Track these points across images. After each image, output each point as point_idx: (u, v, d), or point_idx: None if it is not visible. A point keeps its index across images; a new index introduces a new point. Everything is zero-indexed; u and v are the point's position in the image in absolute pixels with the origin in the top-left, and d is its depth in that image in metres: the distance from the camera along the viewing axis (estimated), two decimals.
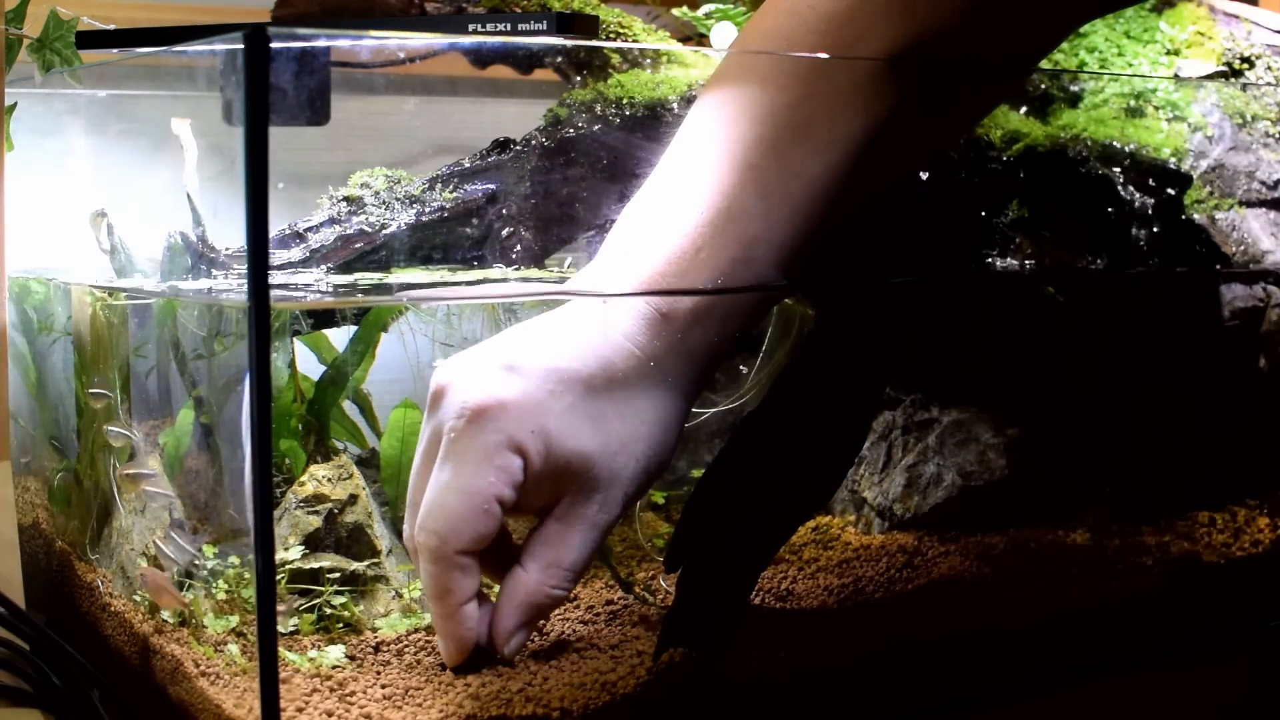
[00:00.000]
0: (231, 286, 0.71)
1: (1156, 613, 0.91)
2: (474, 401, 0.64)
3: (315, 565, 0.78)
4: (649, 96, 0.80)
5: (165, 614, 0.73)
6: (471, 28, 0.71)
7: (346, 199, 0.74)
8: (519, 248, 0.76)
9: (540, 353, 0.66)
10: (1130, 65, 1.00)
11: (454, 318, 0.88)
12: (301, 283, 0.72)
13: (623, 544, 0.90)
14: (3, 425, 0.80)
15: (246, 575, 0.72)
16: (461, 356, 0.67)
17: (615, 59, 0.83)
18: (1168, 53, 1.02)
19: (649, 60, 0.84)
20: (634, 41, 0.87)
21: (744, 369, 0.91)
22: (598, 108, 0.79)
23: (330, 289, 0.73)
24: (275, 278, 0.72)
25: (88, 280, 0.79)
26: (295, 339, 0.83)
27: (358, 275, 0.74)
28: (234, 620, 0.72)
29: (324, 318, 0.83)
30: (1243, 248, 0.94)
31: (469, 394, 0.64)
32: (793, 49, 0.69)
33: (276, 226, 0.73)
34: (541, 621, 0.75)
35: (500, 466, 0.64)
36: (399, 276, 0.75)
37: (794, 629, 0.79)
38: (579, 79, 0.83)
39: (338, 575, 0.77)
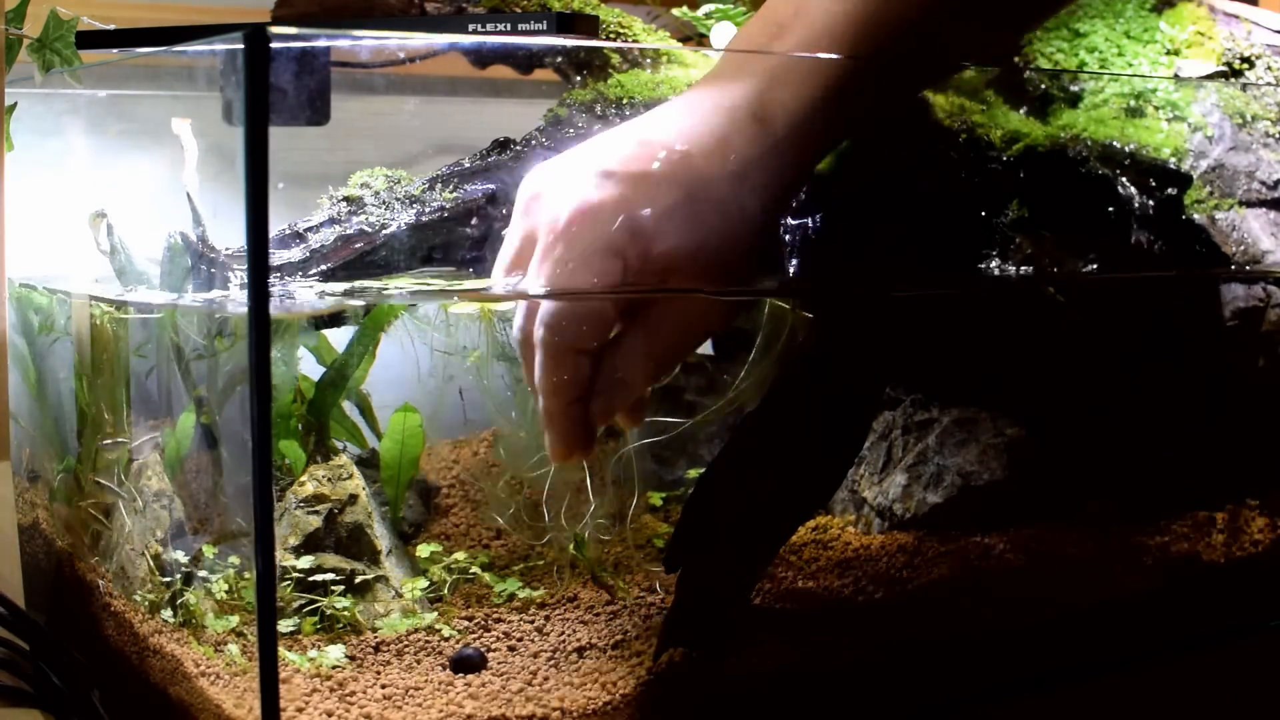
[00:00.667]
0: (231, 295, 0.71)
1: (1156, 613, 0.91)
2: (572, 207, 0.64)
3: (313, 565, 0.78)
4: (649, 96, 0.80)
5: (166, 614, 0.73)
6: (471, 28, 0.71)
7: (346, 199, 0.74)
8: None
9: (634, 156, 0.66)
10: (1130, 65, 1.00)
11: (451, 327, 0.88)
12: (301, 290, 0.72)
13: (622, 544, 0.90)
14: (3, 425, 0.80)
15: (247, 575, 0.72)
16: (556, 161, 0.68)
17: (615, 59, 0.83)
18: (1168, 53, 1.02)
19: (649, 60, 0.84)
20: (634, 41, 0.87)
21: (727, 378, 0.91)
22: (598, 108, 0.79)
23: (326, 295, 0.73)
24: (279, 285, 0.72)
25: (88, 284, 0.79)
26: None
27: (358, 284, 0.74)
28: (234, 620, 0.72)
29: (324, 318, 0.83)
30: (1243, 248, 0.94)
31: (567, 200, 0.65)
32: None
33: (276, 226, 0.73)
34: (547, 635, 0.74)
35: (601, 270, 0.65)
36: (395, 284, 0.75)
37: (794, 629, 0.79)
38: (579, 79, 0.83)
39: (337, 577, 0.78)
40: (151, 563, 0.75)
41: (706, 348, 0.96)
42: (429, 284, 0.75)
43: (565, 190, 0.66)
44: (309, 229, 0.73)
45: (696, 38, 1.03)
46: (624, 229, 0.65)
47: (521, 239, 0.68)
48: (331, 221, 0.74)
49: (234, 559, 0.73)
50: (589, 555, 0.86)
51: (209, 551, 0.74)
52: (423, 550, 0.86)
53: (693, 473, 0.93)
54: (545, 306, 0.67)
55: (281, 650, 0.71)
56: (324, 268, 0.73)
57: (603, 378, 0.68)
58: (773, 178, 0.68)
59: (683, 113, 0.69)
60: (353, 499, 0.81)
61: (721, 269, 0.67)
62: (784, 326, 0.88)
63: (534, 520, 0.91)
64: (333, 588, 0.77)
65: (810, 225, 0.79)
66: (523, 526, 0.91)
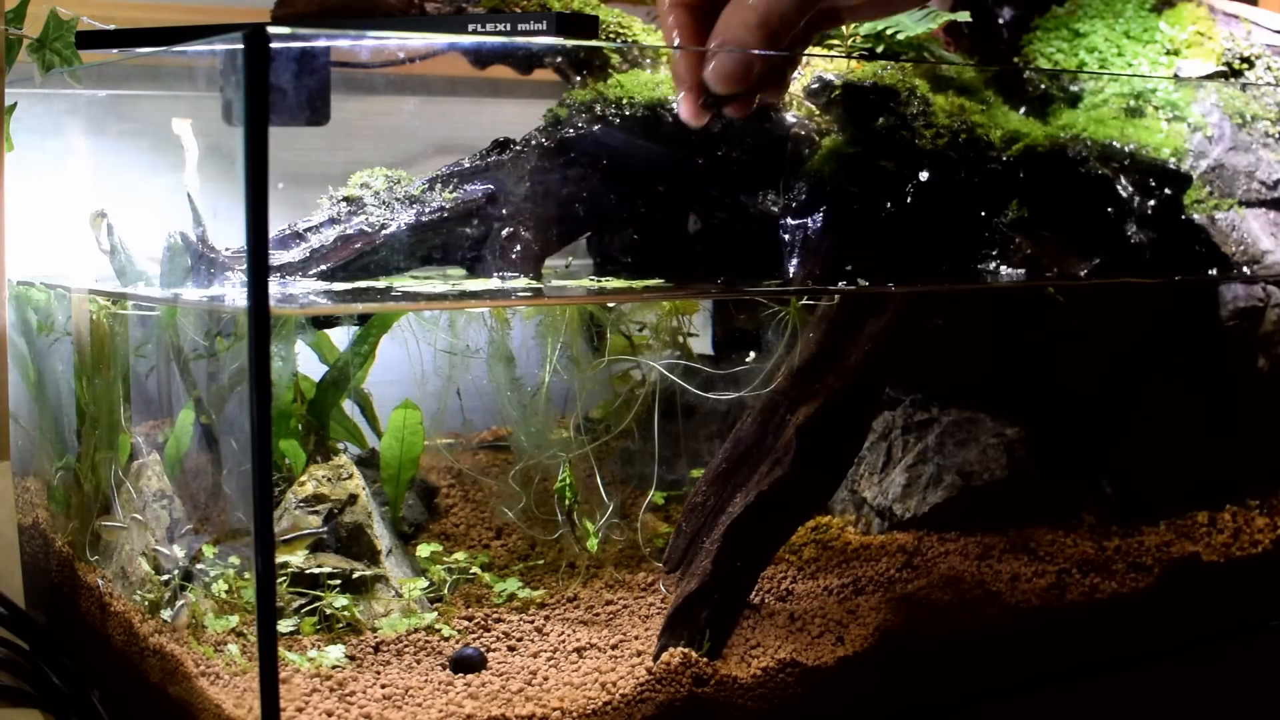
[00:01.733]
0: (232, 293, 0.71)
1: (1156, 613, 0.91)
2: None
3: (315, 569, 0.78)
4: (649, 96, 0.80)
5: (165, 613, 0.73)
6: (471, 28, 0.71)
7: (346, 199, 0.74)
8: (519, 248, 0.76)
9: None
10: (1130, 65, 1.00)
11: (456, 325, 0.88)
12: (302, 290, 0.72)
13: (622, 541, 0.90)
14: (3, 425, 0.80)
15: (247, 575, 0.72)
16: None
17: (615, 59, 0.83)
18: (1168, 53, 1.02)
19: (649, 60, 0.84)
20: (634, 41, 0.87)
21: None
22: (598, 108, 0.79)
23: (329, 295, 0.73)
24: (277, 284, 0.72)
25: (88, 283, 0.79)
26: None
27: (361, 283, 0.74)
28: (234, 620, 0.72)
29: (324, 318, 0.83)
30: (1243, 248, 0.94)
31: None
32: None
33: (276, 226, 0.73)
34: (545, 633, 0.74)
35: None
36: (400, 283, 0.75)
37: (794, 629, 0.79)
38: (579, 79, 0.83)
39: (338, 575, 0.78)
40: (151, 563, 0.75)
41: (707, 347, 0.96)
42: (429, 278, 0.75)
43: None
44: (309, 229, 0.73)
45: None
46: None
47: None
48: (331, 221, 0.74)
49: (234, 559, 0.73)
50: (598, 551, 0.87)
51: (209, 551, 0.74)
52: (423, 550, 0.86)
53: (694, 473, 0.93)
54: None
55: (281, 650, 0.71)
56: (324, 268, 0.73)
57: (717, 42, 0.67)
58: None
59: None
60: (353, 499, 0.81)
61: None
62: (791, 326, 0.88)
63: (544, 515, 0.91)
64: (329, 581, 0.77)
65: (810, 224, 0.79)
66: (535, 522, 0.91)
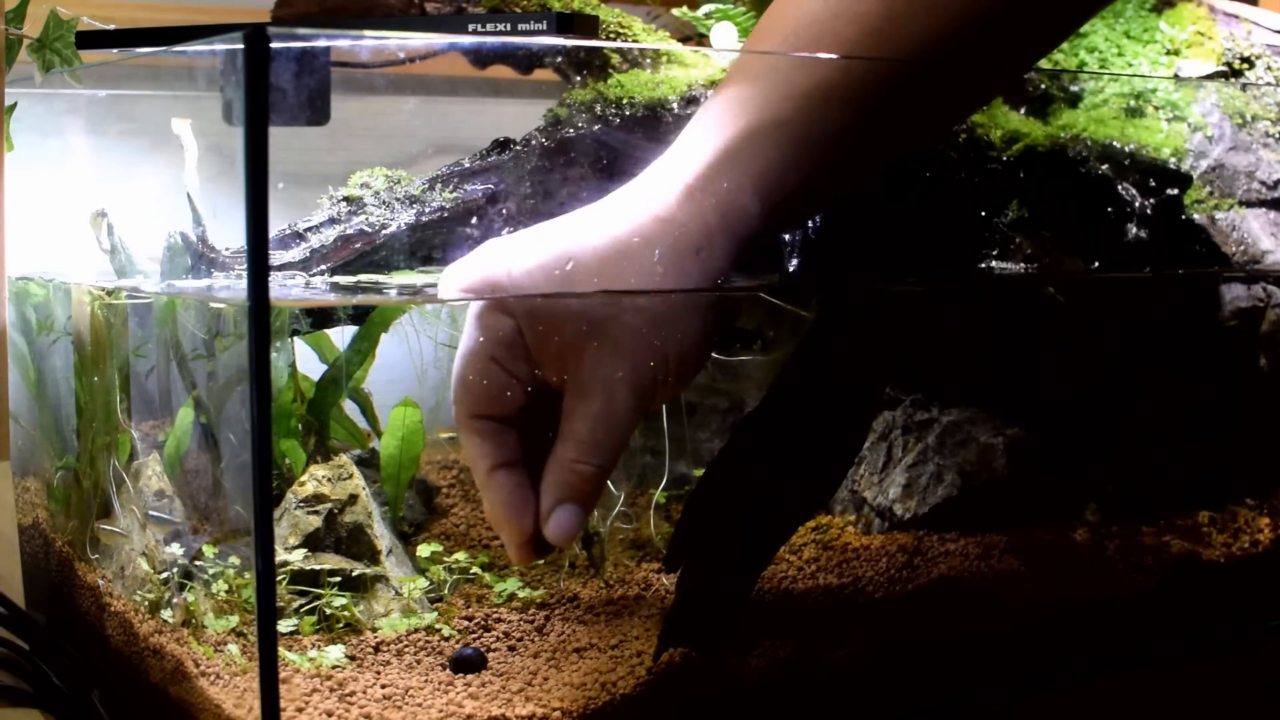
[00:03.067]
0: (231, 285, 0.71)
1: (1156, 613, 0.91)
2: (473, 274, 0.65)
3: (316, 566, 0.78)
4: (649, 96, 0.80)
5: (166, 614, 0.73)
6: (471, 28, 0.71)
7: (346, 199, 0.74)
8: None
9: (547, 229, 0.67)
10: (1130, 65, 1.00)
11: (458, 319, 0.88)
12: (300, 282, 0.72)
13: (624, 538, 0.90)
14: (3, 425, 0.80)
15: (247, 575, 0.72)
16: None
17: (615, 59, 0.83)
18: (1168, 53, 1.02)
19: (649, 60, 0.84)
20: (634, 41, 0.87)
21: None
22: (598, 108, 0.79)
23: (329, 287, 0.73)
24: (276, 278, 0.72)
25: (88, 280, 0.79)
26: (296, 338, 0.83)
27: (360, 276, 0.74)
28: (234, 620, 0.72)
29: (324, 317, 0.83)
30: (1243, 248, 0.94)
31: (470, 267, 0.66)
32: (823, 36, 0.69)
33: (276, 226, 0.73)
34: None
35: (488, 325, 0.65)
36: (399, 278, 0.75)
37: (794, 629, 0.79)
38: (579, 79, 0.83)
39: (338, 578, 0.78)
40: (150, 562, 0.75)
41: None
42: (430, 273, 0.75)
43: (471, 260, 0.66)
44: (309, 229, 0.73)
45: (696, 38, 1.03)
46: (518, 289, 0.64)
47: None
48: (331, 221, 0.74)
49: (234, 559, 0.73)
50: (600, 546, 0.87)
51: (209, 551, 0.73)
52: (423, 550, 0.86)
53: (695, 472, 0.93)
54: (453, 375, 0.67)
55: (281, 650, 0.71)
56: (324, 267, 0.73)
57: (545, 498, 0.67)
58: (704, 255, 0.67)
59: (614, 196, 0.68)
60: (353, 499, 0.81)
61: (633, 344, 0.66)
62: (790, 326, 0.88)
63: None
64: (330, 579, 0.77)
65: (810, 224, 0.79)
66: None
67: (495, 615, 0.80)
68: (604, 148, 0.78)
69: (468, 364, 0.66)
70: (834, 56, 0.68)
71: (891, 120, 0.71)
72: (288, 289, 0.71)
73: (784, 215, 0.70)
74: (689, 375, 0.69)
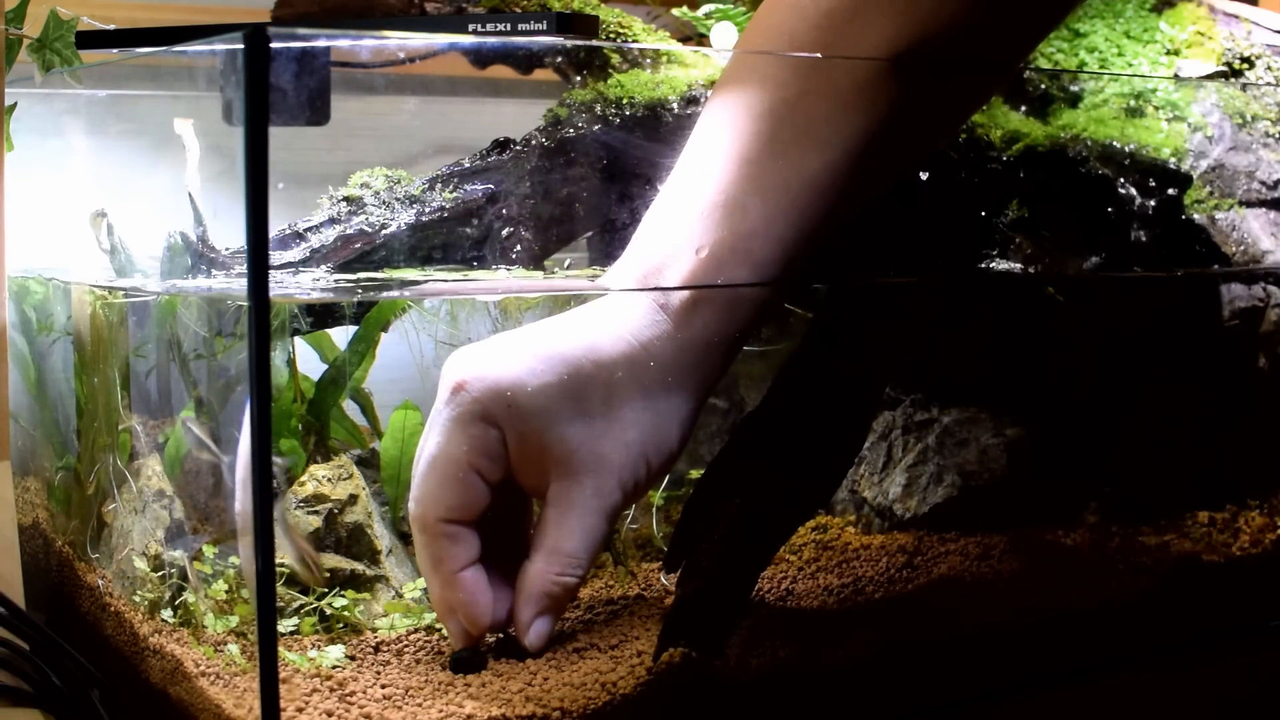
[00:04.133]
0: (232, 284, 0.71)
1: (1156, 613, 0.91)
2: (455, 377, 0.66)
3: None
4: (649, 96, 0.80)
5: (166, 614, 0.73)
6: (471, 28, 0.71)
7: (346, 199, 0.74)
8: (519, 248, 0.76)
9: (530, 337, 0.68)
10: (1130, 65, 1.00)
11: (457, 318, 0.88)
12: (300, 280, 0.72)
13: (623, 541, 0.90)
14: (3, 425, 0.80)
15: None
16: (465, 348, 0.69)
17: (615, 59, 0.83)
18: (1168, 53, 1.02)
19: (649, 60, 0.84)
20: (634, 41, 0.87)
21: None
22: (598, 108, 0.79)
23: (330, 286, 0.73)
24: (276, 276, 0.72)
25: (88, 279, 0.79)
26: (296, 337, 0.83)
27: (361, 275, 0.74)
28: (234, 620, 0.72)
29: (324, 316, 0.83)
30: (1243, 248, 0.94)
31: (452, 372, 0.67)
32: (793, 44, 0.69)
33: (276, 226, 0.73)
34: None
35: (474, 435, 0.66)
36: (400, 275, 0.75)
37: (794, 629, 0.79)
38: (579, 79, 0.83)
39: (342, 575, 0.78)
40: (151, 562, 0.75)
41: None
42: (432, 276, 0.75)
43: (453, 365, 0.67)
44: (309, 229, 0.73)
45: (696, 38, 1.03)
46: (500, 398, 0.65)
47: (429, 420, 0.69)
48: (331, 221, 0.74)
49: (234, 559, 0.73)
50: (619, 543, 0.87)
51: (209, 551, 0.73)
52: None
53: (693, 473, 0.93)
54: (413, 481, 0.68)
55: (281, 650, 0.71)
56: (324, 268, 0.73)
57: (521, 605, 0.69)
58: (677, 369, 0.68)
59: (594, 307, 0.69)
60: (353, 499, 0.81)
61: (614, 462, 0.67)
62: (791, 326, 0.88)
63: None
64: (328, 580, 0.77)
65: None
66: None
67: None
68: (604, 148, 0.78)
69: (443, 470, 0.66)
70: (816, 55, 0.68)
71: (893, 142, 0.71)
72: (285, 286, 0.71)
73: (785, 266, 0.70)
74: (669, 468, 0.71)
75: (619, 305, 0.68)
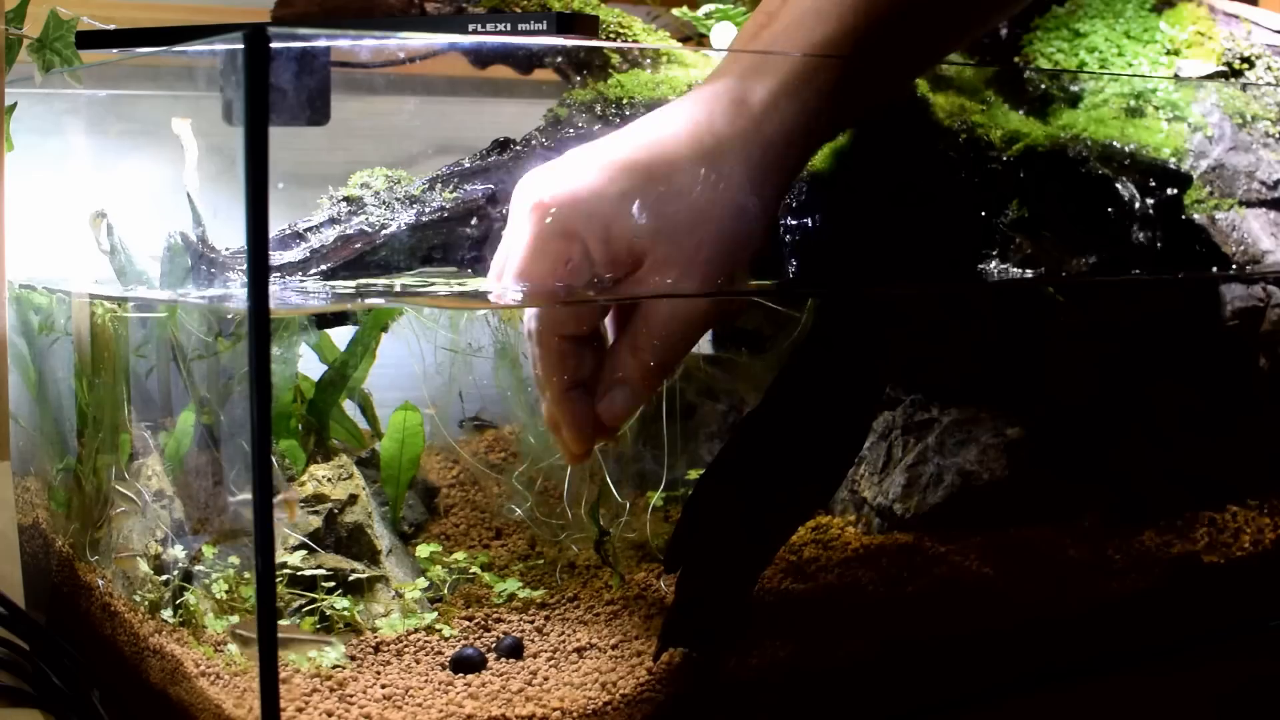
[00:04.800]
0: (233, 293, 0.71)
1: (1156, 613, 0.91)
2: (532, 198, 0.67)
3: (315, 570, 0.78)
4: (649, 96, 0.80)
5: (166, 614, 0.73)
6: (471, 28, 0.71)
7: (346, 199, 0.74)
8: None
9: (604, 147, 0.68)
10: (1130, 65, 1.00)
11: (456, 323, 0.88)
12: (305, 289, 0.72)
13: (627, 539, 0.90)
14: (3, 426, 0.80)
15: (247, 575, 0.72)
16: (543, 165, 0.70)
17: (615, 59, 0.83)
18: (1168, 53, 1.02)
19: (649, 60, 0.84)
20: (634, 41, 0.87)
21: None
22: (598, 108, 0.79)
23: (331, 292, 0.73)
24: (280, 284, 0.72)
25: (88, 284, 0.79)
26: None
27: (360, 281, 0.74)
28: (234, 620, 0.72)
29: (327, 317, 0.83)
30: (1243, 248, 0.94)
31: (528, 192, 0.67)
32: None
33: (276, 226, 0.73)
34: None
35: (557, 250, 0.66)
36: (399, 281, 0.75)
37: (794, 629, 0.79)
38: (579, 79, 0.83)
39: (335, 575, 0.78)
40: (151, 562, 0.75)
41: (705, 346, 0.96)
42: (431, 282, 0.75)
43: (530, 184, 0.67)
44: (309, 229, 0.73)
45: (696, 38, 1.03)
46: (579, 212, 0.66)
47: (508, 240, 0.69)
48: (331, 221, 0.74)
49: (234, 559, 0.73)
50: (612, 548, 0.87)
51: (209, 551, 0.73)
52: (423, 550, 0.86)
53: (693, 473, 0.93)
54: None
55: (281, 650, 0.71)
56: (324, 268, 0.73)
57: (604, 380, 0.69)
58: (756, 166, 0.69)
59: (667, 109, 0.70)
60: (353, 499, 0.81)
61: (698, 256, 0.68)
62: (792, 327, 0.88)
63: (546, 515, 0.91)
64: (324, 583, 0.77)
65: (809, 224, 0.79)
66: (539, 522, 0.91)
67: (495, 615, 0.80)
68: None
69: (544, 279, 0.67)
70: (832, 57, 0.69)
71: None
72: (286, 295, 0.71)
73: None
74: (751, 265, 0.72)
75: (697, 106, 0.69)
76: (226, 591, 0.72)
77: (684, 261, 0.67)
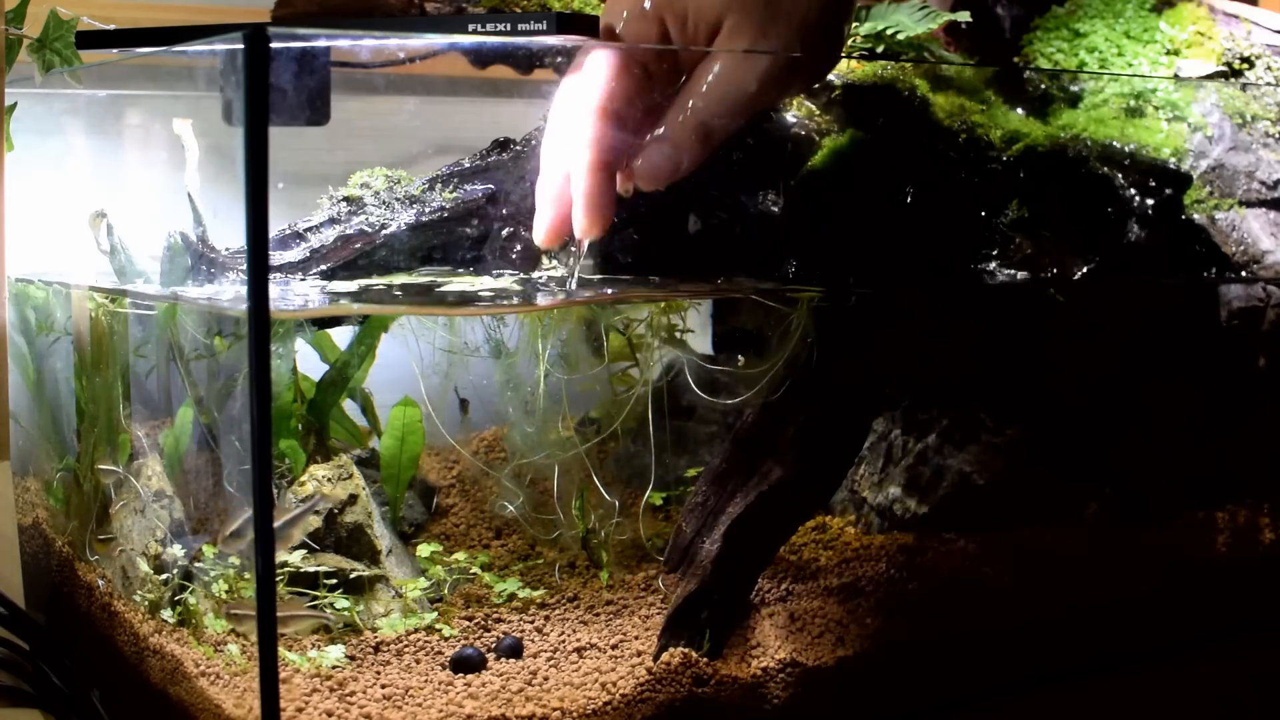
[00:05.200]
0: (233, 292, 0.71)
1: (1156, 613, 0.91)
2: None
3: (315, 568, 0.78)
4: None
5: (166, 614, 0.73)
6: (471, 28, 0.71)
7: (346, 199, 0.74)
8: (519, 248, 0.76)
9: None
10: (1130, 65, 1.00)
11: (455, 323, 0.88)
12: (302, 291, 0.72)
13: (623, 541, 0.90)
14: (3, 425, 0.80)
15: (247, 575, 0.72)
16: None
17: None
18: (1168, 53, 1.02)
19: None
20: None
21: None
22: None
23: (330, 296, 0.73)
24: (278, 284, 0.72)
25: (88, 282, 0.79)
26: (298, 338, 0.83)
27: (360, 282, 0.74)
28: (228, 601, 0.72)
29: (326, 317, 0.83)
30: (1242, 248, 0.94)
31: None
32: None
33: (276, 226, 0.73)
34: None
35: (638, 34, 0.69)
36: (400, 280, 0.75)
37: (794, 629, 0.79)
38: None
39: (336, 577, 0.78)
40: (151, 562, 0.75)
41: (705, 347, 0.96)
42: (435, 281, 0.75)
43: None
44: (309, 229, 0.73)
45: None
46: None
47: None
48: (331, 221, 0.74)
49: (234, 559, 0.73)
50: (601, 547, 0.87)
51: (209, 551, 0.73)
52: (423, 550, 0.86)
53: (692, 472, 0.93)
54: (582, 64, 0.70)
55: (281, 650, 0.71)
56: (324, 268, 0.73)
57: (653, 135, 0.70)
58: None
59: None
60: (353, 499, 0.81)
61: (769, 19, 0.68)
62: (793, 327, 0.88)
63: (539, 514, 0.91)
64: (325, 581, 0.77)
65: (809, 224, 0.79)
66: (531, 520, 0.91)
67: (495, 615, 0.80)
68: None
69: (616, 58, 0.69)
70: None
71: None
72: (286, 295, 0.71)
73: None
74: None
75: None
76: (226, 591, 0.72)
77: (756, 26, 0.68)
